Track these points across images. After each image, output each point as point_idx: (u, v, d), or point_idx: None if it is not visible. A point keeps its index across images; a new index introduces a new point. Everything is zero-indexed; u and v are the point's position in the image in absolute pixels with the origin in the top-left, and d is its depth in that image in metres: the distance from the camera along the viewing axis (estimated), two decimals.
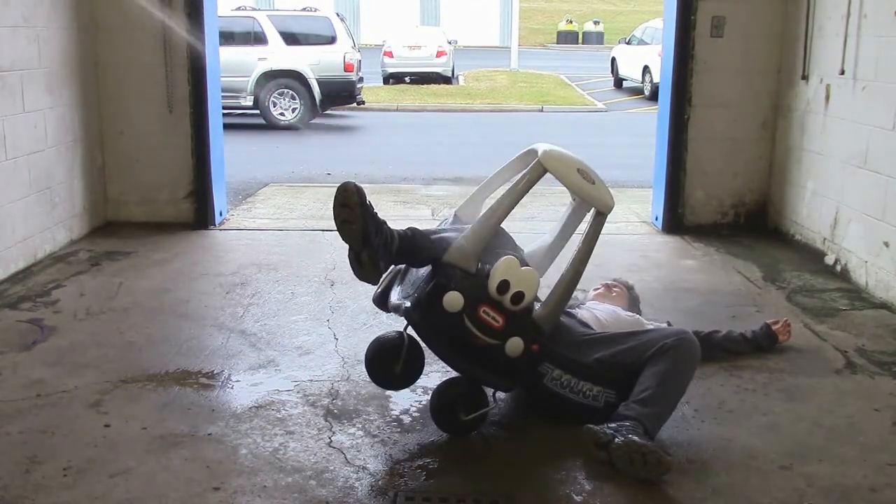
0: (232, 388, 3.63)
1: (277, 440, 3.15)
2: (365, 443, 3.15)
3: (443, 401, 3.20)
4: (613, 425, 3.01)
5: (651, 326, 3.67)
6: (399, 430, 3.26)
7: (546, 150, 3.26)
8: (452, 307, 3.01)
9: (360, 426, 3.27)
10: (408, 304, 3.09)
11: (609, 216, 3.33)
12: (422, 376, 3.43)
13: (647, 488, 2.85)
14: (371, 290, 3.36)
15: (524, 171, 3.22)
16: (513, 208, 3.18)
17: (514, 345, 3.06)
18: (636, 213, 7.02)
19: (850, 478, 2.95)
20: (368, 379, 3.61)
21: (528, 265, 3.16)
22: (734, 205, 6.42)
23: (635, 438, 2.91)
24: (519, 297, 3.04)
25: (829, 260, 5.43)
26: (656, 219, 6.61)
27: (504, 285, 3.02)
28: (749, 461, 3.04)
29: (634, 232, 6.48)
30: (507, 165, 3.53)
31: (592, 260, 3.27)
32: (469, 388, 3.18)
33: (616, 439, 2.92)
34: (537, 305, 3.18)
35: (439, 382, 3.29)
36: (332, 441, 3.15)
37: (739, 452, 3.10)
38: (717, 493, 2.85)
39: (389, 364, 3.26)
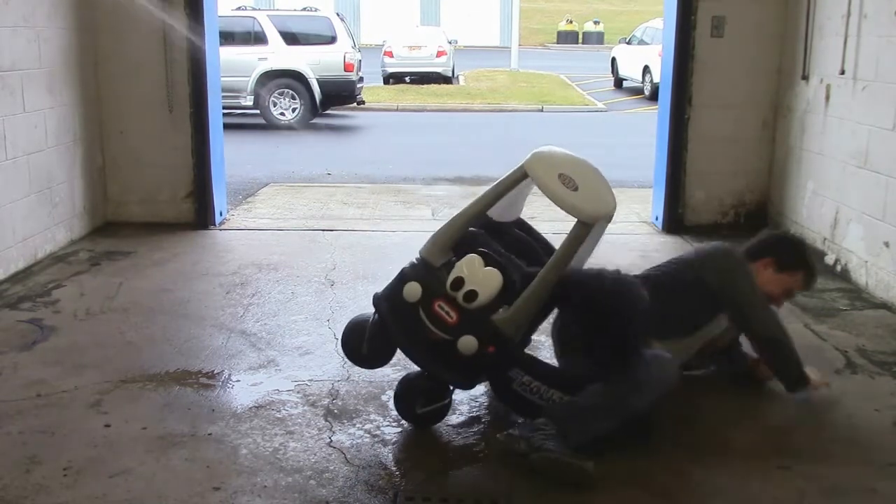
0: (232, 388, 3.64)
1: (277, 440, 3.15)
2: (365, 443, 3.15)
3: (403, 390, 3.25)
4: (529, 428, 2.95)
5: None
6: (399, 430, 3.26)
7: (537, 150, 3.18)
8: (411, 297, 3.06)
9: (360, 426, 3.27)
10: (379, 291, 3.18)
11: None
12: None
13: (648, 487, 2.85)
14: (372, 289, 3.36)
15: (510, 171, 3.18)
16: (489, 206, 3.18)
17: (467, 343, 3.00)
18: (636, 213, 7.02)
19: (850, 478, 2.95)
20: (368, 379, 3.63)
21: (496, 265, 3.05)
22: (734, 205, 6.42)
23: (550, 449, 2.84)
24: (471, 295, 2.99)
25: (830, 260, 5.43)
26: (656, 219, 6.61)
27: (458, 282, 3.01)
28: (749, 461, 3.04)
29: (634, 232, 6.48)
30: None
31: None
32: (432, 382, 3.19)
33: (531, 455, 2.87)
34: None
35: (408, 373, 3.32)
36: (332, 441, 3.15)
37: (739, 452, 3.10)
38: (718, 492, 2.86)
39: (358, 343, 3.29)
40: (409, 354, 3.18)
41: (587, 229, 3.05)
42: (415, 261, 3.16)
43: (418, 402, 3.18)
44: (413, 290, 3.06)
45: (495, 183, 3.19)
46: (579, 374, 3.28)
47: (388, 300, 3.14)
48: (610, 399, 3.01)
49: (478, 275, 3.02)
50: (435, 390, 3.19)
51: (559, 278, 3.05)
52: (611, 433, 2.99)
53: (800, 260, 3.61)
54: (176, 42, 6.08)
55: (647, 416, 3.11)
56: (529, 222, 3.54)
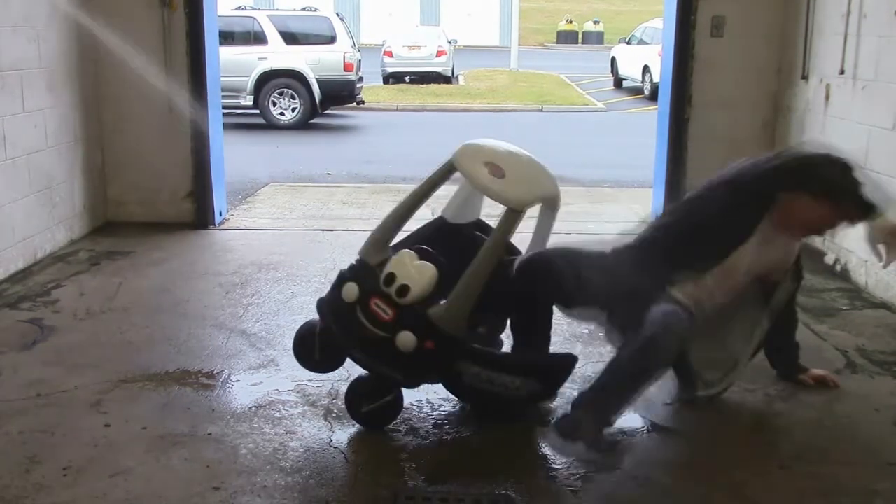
0: (232, 387, 3.64)
1: (277, 440, 3.15)
2: (365, 443, 3.15)
3: (349, 392, 3.25)
4: (569, 421, 2.95)
5: None
6: (399, 430, 3.25)
7: (465, 143, 3.24)
8: (349, 297, 3.11)
9: (360, 426, 3.27)
10: (323, 296, 3.24)
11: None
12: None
13: (648, 487, 2.86)
14: None
15: (439, 166, 3.24)
16: (421, 201, 3.28)
17: (405, 339, 3.02)
18: (636, 213, 7.01)
19: (850, 478, 2.95)
20: None
21: (433, 260, 3.08)
22: None
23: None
24: (404, 290, 3.02)
25: (829, 260, 5.43)
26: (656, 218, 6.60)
27: (390, 277, 3.05)
28: (749, 461, 3.04)
29: (635, 231, 6.47)
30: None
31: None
32: (373, 382, 3.19)
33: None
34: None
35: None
36: (332, 441, 3.15)
37: (739, 452, 3.10)
38: (718, 492, 2.86)
39: (308, 350, 3.37)
40: (352, 356, 3.20)
41: (516, 216, 3.04)
42: (354, 262, 3.23)
43: (363, 402, 3.18)
44: (350, 290, 3.12)
45: (425, 178, 3.27)
46: (532, 355, 3.29)
47: (329, 303, 3.21)
48: (625, 367, 2.97)
49: (410, 269, 3.05)
50: (377, 389, 3.18)
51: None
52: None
53: (799, 180, 3.11)
54: (176, 42, 6.08)
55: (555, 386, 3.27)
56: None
